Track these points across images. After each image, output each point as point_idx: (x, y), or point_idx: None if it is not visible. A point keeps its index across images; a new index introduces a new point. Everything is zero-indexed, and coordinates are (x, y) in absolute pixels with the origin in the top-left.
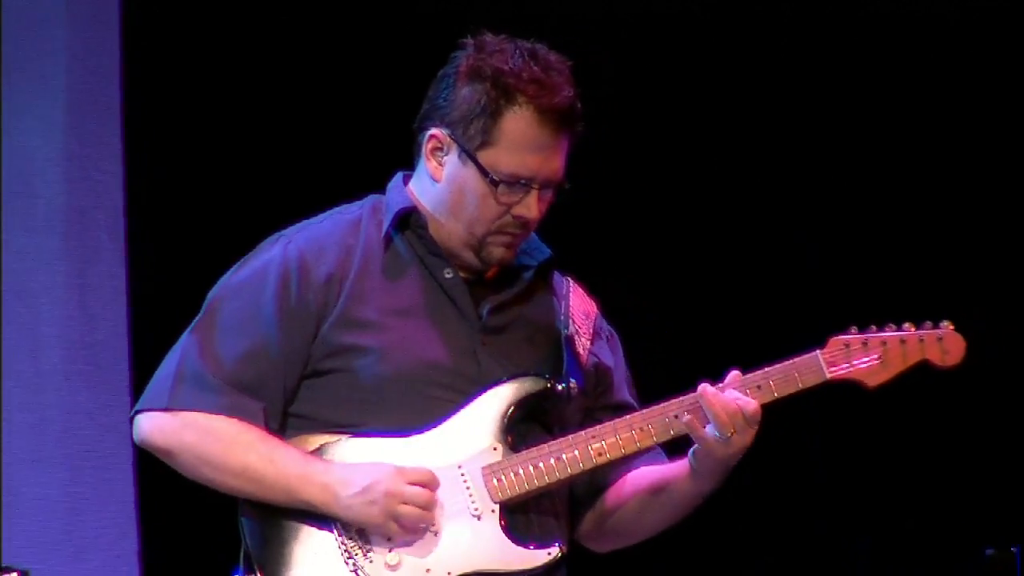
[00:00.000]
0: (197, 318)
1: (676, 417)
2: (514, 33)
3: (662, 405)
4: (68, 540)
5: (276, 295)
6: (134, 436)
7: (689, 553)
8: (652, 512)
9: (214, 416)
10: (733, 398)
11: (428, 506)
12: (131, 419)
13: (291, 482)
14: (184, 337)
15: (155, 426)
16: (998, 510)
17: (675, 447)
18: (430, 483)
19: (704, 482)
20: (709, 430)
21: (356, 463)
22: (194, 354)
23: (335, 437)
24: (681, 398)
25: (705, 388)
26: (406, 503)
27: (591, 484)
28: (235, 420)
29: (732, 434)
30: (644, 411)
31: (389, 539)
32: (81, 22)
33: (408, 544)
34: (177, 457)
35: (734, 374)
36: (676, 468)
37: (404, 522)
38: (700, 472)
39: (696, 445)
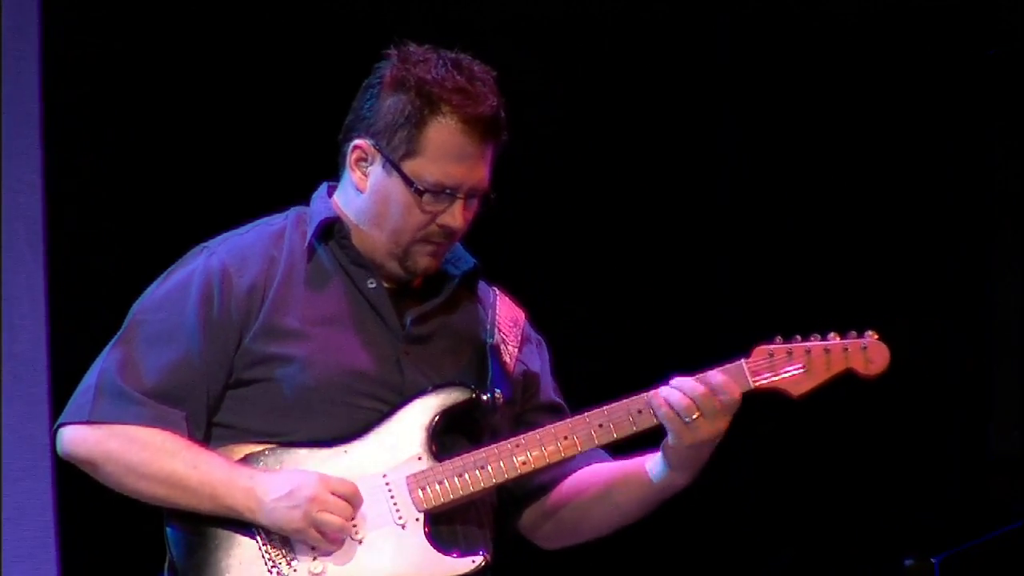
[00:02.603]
0: (120, 330)
1: (600, 426)
2: (438, 43)
3: (585, 415)
4: None
5: (198, 306)
6: (57, 449)
7: (613, 568)
8: (610, 508)
9: (136, 427)
10: (710, 382)
11: (349, 519)
12: (53, 432)
13: (216, 488)
14: (107, 350)
15: (78, 438)
16: (917, 521)
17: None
18: (353, 497)
19: (675, 475)
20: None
21: (282, 470)
22: (115, 367)
23: (260, 447)
24: (603, 408)
25: (663, 389)
26: (328, 511)
27: (539, 479)
28: (157, 429)
29: (696, 416)
30: (568, 421)
31: (313, 548)
32: None
33: (332, 553)
34: (101, 468)
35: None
36: (641, 463)
37: (324, 530)
38: (671, 463)
39: (666, 437)
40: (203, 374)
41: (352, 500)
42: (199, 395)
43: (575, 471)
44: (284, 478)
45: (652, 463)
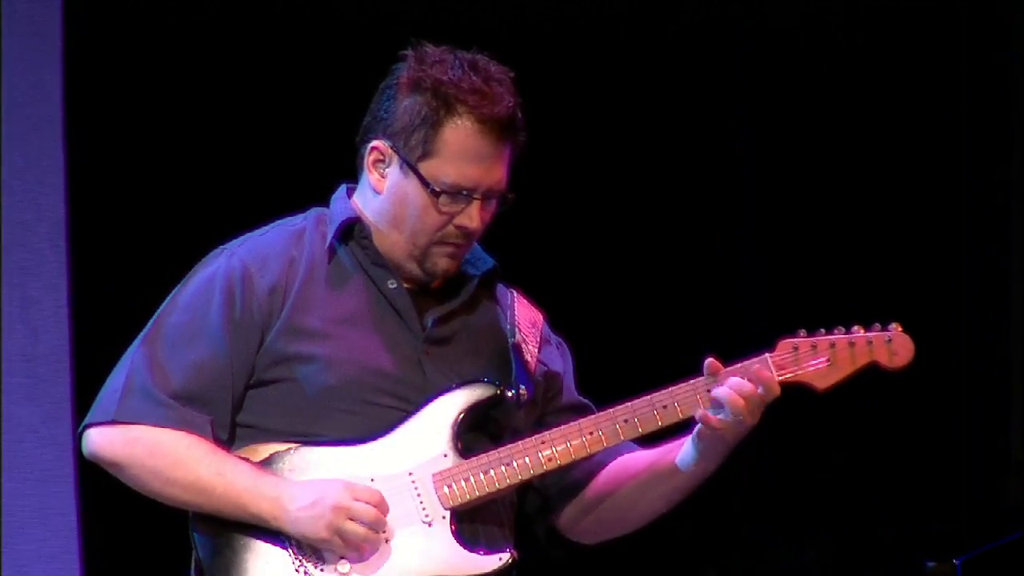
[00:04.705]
0: (144, 332)
1: (626, 422)
2: (455, 44)
3: (610, 410)
4: (10, 553)
5: (222, 307)
6: (83, 450)
7: (629, 565)
8: (648, 499)
9: (162, 429)
10: (747, 377)
11: (374, 525)
12: (79, 434)
13: (241, 496)
14: (131, 351)
15: (104, 439)
16: (938, 523)
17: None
18: (379, 504)
19: (707, 464)
20: (722, 416)
21: (307, 479)
22: (141, 368)
23: (285, 446)
24: (628, 403)
25: (718, 390)
26: (352, 519)
27: (574, 476)
28: (183, 433)
29: (745, 416)
30: (593, 416)
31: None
32: (22, 35)
33: (359, 552)
34: (126, 470)
35: (709, 361)
36: (671, 451)
37: (348, 538)
38: (706, 454)
39: (699, 427)
40: (228, 375)
41: (379, 506)
42: (224, 397)
43: (608, 464)
44: (309, 487)
45: (680, 453)
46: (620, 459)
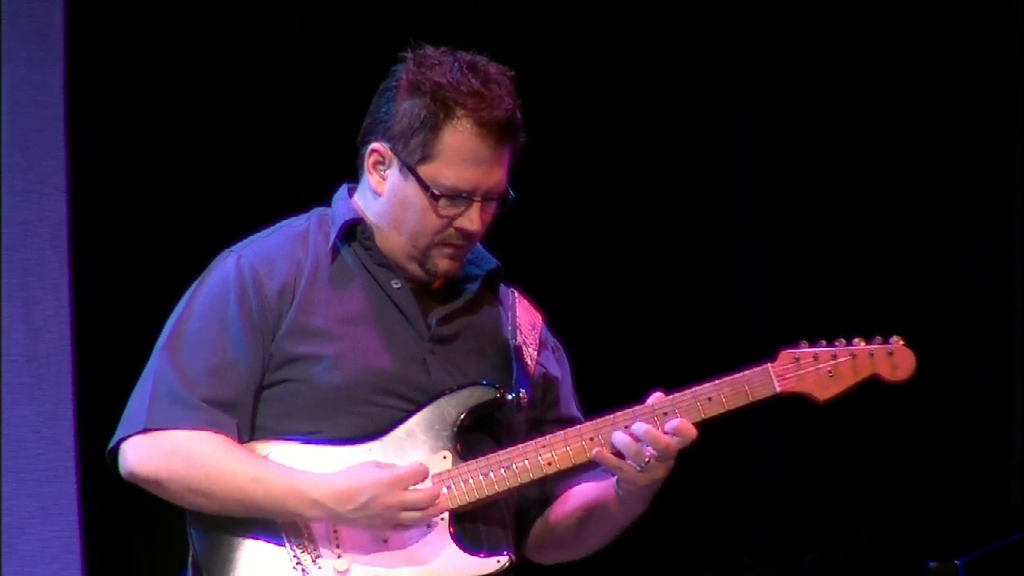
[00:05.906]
0: (162, 342)
1: (626, 428)
2: (455, 44)
3: (612, 416)
4: (11, 554)
5: (238, 310)
6: (120, 469)
7: (633, 567)
8: (587, 531)
9: (194, 434)
10: (663, 429)
11: (430, 503)
12: (111, 452)
13: (285, 501)
14: (153, 363)
15: (140, 454)
16: (940, 523)
17: None
18: (425, 476)
19: (630, 506)
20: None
21: (340, 471)
22: (167, 375)
23: (285, 445)
24: (632, 408)
25: (615, 434)
26: (407, 510)
27: (539, 497)
28: (217, 436)
29: (648, 461)
30: (594, 421)
31: (338, 546)
32: (24, 35)
33: (358, 551)
34: (166, 485)
35: (656, 396)
36: (606, 490)
37: (408, 525)
38: (625, 497)
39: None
40: (250, 377)
41: (425, 478)
42: (248, 399)
43: (568, 489)
44: (351, 485)
45: (612, 493)
46: (580, 487)
